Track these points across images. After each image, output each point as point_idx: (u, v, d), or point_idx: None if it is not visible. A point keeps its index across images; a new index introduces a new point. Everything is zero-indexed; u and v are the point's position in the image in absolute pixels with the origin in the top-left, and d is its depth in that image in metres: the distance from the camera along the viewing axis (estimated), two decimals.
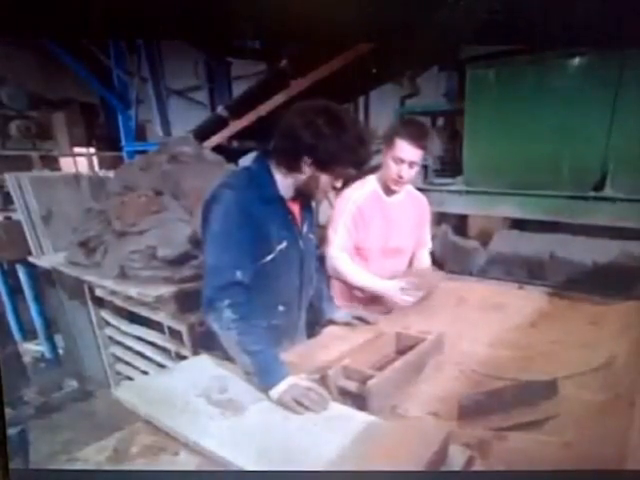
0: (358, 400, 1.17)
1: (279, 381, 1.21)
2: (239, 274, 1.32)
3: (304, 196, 1.51)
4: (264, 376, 1.25)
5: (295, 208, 1.53)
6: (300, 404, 1.15)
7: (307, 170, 1.40)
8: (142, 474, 1.00)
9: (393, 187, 1.95)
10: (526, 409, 1.13)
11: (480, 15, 1.38)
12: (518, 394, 1.17)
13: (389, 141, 1.87)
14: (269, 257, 1.44)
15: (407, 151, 1.84)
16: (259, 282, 1.42)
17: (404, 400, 1.21)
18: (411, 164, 1.87)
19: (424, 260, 2.17)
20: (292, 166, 1.41)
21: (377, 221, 1.97)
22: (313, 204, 1.69)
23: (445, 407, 1.17)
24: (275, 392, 1.19)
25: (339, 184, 1.47)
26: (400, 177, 1.88)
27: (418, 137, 1.85)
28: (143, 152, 6.28)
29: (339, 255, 1.92)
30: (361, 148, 1.38)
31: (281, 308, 1.54)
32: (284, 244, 1.47)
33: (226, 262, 1.33)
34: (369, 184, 2.00)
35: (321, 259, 1.86)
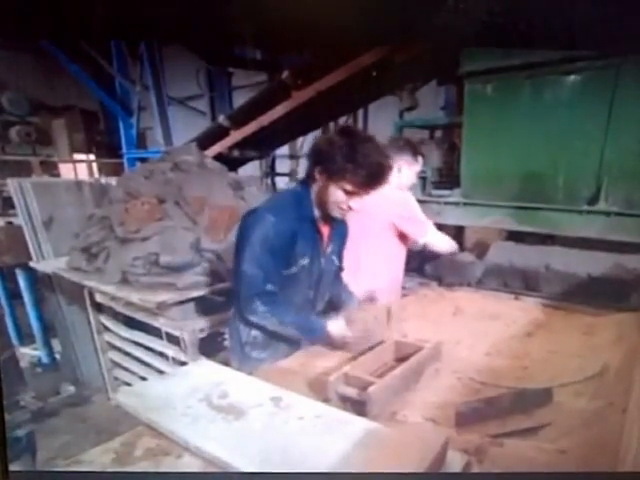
0: (358, 406, 1.18)
1: (322, 331, 1.57)
2: (269, 286, 1.56)
3: (329, 217, 1.62)
4: (310, 332, 1.61)
5: (325, 230, 1.68)
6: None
7: (318, 178, 1.53)
8: (142, 475, 1.01)
9: None
10: (522, 416, 1.15)
11: (480, 17, 1.42)
12: (514, 402, 1.19)
13: (414, 158, 2.33)
14: (293, 270, 1.61)
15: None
16: (282, 289, 1.61)
17: (403, 406, 1.22)
18: None
19: None
20: (311, 176, 1.57)
21: None
22: (345, 230, 1.83)
23: (443, 414, 1.18)
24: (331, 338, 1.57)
25: (356, 205, 1.54)
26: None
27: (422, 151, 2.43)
28: (143, 159, 6.33)
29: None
30: (369, 165, 1.45)
31: None
32: (307, 260, 1.63)
33: (260, 276, 1.55)
34: None
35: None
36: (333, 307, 1.89)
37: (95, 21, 1.28)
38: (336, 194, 1.51)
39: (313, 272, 1.68)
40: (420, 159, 2.39)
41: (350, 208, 1.55)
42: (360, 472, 0.92)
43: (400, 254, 2.34)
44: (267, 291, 1.55)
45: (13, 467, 1.15)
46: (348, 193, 1.50)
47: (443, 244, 2.33)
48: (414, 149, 2.38)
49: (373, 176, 1.47)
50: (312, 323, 1.62)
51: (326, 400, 1.23)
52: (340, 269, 1.87)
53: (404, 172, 2.33)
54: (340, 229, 1.76)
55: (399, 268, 2.35)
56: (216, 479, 1.00)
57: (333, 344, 1.60)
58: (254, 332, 1.67)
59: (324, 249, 1.69)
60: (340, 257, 1.83)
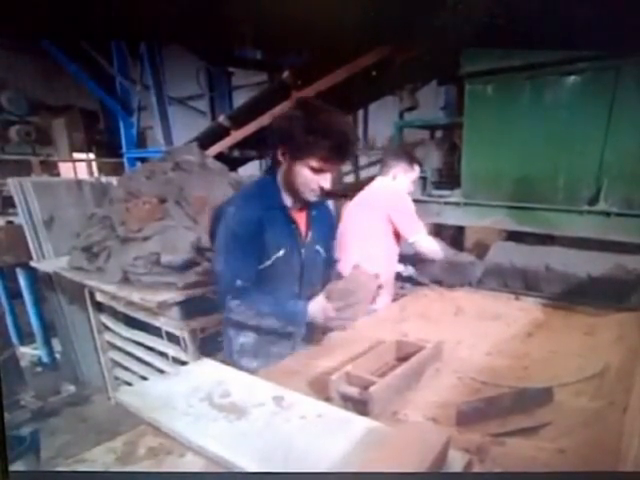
0: (359, 405, 1.19)
1: (305, 312, 1.48)
2: (238, 282, 1.48)
3: (304, 203, 1.54)
4: (292, 317, 1.52)
5: (300, 218, 1.58)
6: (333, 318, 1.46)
7: (282, 160, 1.46)
8: (144, 475, 1.02)
9: None
10: (523, 416, 1.15)
11: (480, 18, 1.43)
12: (515, 401, 1.19)
13: (410, 165, 2.42)
14: (267, 263, 1.53)
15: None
16: (260, 284, 1.53)
17: (404, 406, 1.23)
18: None
19: None
20: (275, 161, 1.49)
21: None
22: (330, 218, 1.77)
23: (444, 413, 1.19)
24: (314, 319, 1.48)
25: (326, 183, 1.46)
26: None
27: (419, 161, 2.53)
28: (143, 159, 6.33)
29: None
30: (332, 135, 1.36)
31: None
32: (281, 252, 1.53)
33: (227, 273, 1.50)
34: None
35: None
36: None
37: (95, 21, 1.29)
38: (303, 174, 1.43)
39: (293, 265, 1.58)
40: (416, 167, 2.46)
41: (322, 188, 1.46)
42: (360, 472, 0.93)
43: (395, 252, 2.44)
44: (236, 287, 1.48)
45: (15, 467, 1.15)
46: (315, 171, 1.42)
47: (431, 246, 2.36)
48: (410, 157, 2.46)
49: (338, 147, 1.39)
50: (292, 307, 1.52)
51: (328, 399, 1.23)
52: (331, 260, 1.77)
53: (399, 179, 2.43)
54: (321, 216, 1.66)
55: (394, 266, 2.45)
56: (219, 479, 1.01)
57: (320, 323, 1.51)
58: (242, 339, 1.63)
59: (302, 239, 1.59)
60: (328, 247, 1.74)
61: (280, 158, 1.47)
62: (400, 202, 2.35)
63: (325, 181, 1.46)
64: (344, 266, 1.91)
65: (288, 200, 1.54)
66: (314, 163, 1.41)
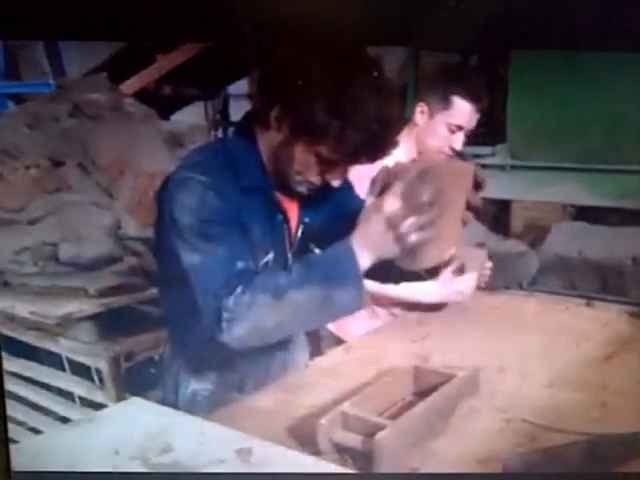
0: (362, 460, 1.21)
1: (350, 253, 1.25)
2: (240, 264, 1.30)
3: (289, 188, 1.44)
4: (340, 271, 1.27)
5: (290, 206, 1.51)
6: None
7: (275, 126, 1.35)
8: (144, 476, 1.14)
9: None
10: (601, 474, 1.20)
11: (482, 19, 1.54)
12: (588, 453, 1.22)
13: (442, 101, 2.04)
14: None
15: (469, 116, 2.05)
16: None
17: (426, 460, 1.26)
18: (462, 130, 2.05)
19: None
20: (261, 119, 1.40)
21: None
22: (347, 195, 1.61)
23: (484, 470, 1.22)
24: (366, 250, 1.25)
25: (335, 179, 1.40)
26: (453, 150, 2.06)
27: (481, 96, 2.05)
28: (19, 97, 6.13)
29: None
30: (368, 120, 1.24)
31: None
32: (271, 256, 1.46)
33: (217, 259, 1.31)
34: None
35: None
36: None
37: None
38: (304, 159, 1.33)
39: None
40: (472, 113, 2.06)
41: (325, 183, 1.39)
42: (362, 473, 0.96)
43: None
44: (241, 272, 1.29)
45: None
46: (323, 161, 1.33)
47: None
48: (471, 92, 2.05)
49: (371, 142, 1.27)
50: (332, 253, 1.32)
51: (316, 452, 1.25)
52: None
53: (434, 132, 2.11)
54: (329, 195, 1.50)
55: None
56: (219, 479, 1.09)
57: (377, 252, 1.28)
58: (196, 386, 1.59)
59: (291, 238, 1.52)
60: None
61: (272, 121, 1.35)
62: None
63: (333, 176, 1.39)
64: None
65: (271, 179, 1.45)
66: (325, 152, 1.30)
